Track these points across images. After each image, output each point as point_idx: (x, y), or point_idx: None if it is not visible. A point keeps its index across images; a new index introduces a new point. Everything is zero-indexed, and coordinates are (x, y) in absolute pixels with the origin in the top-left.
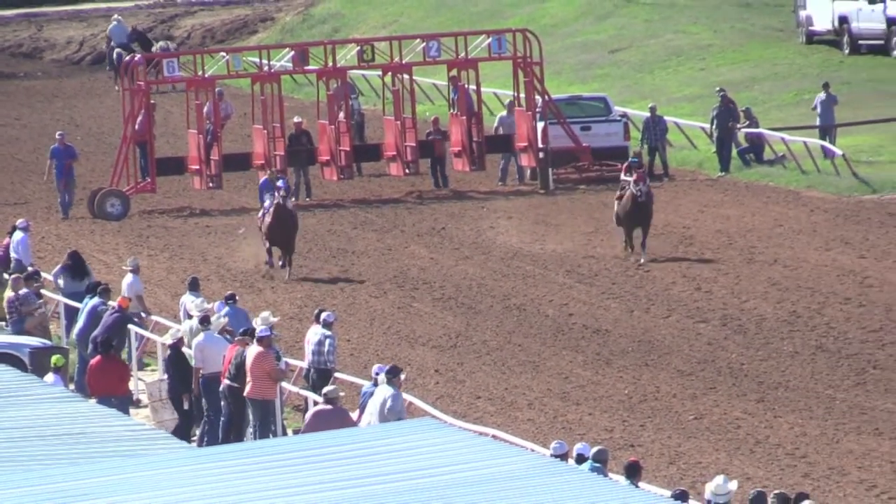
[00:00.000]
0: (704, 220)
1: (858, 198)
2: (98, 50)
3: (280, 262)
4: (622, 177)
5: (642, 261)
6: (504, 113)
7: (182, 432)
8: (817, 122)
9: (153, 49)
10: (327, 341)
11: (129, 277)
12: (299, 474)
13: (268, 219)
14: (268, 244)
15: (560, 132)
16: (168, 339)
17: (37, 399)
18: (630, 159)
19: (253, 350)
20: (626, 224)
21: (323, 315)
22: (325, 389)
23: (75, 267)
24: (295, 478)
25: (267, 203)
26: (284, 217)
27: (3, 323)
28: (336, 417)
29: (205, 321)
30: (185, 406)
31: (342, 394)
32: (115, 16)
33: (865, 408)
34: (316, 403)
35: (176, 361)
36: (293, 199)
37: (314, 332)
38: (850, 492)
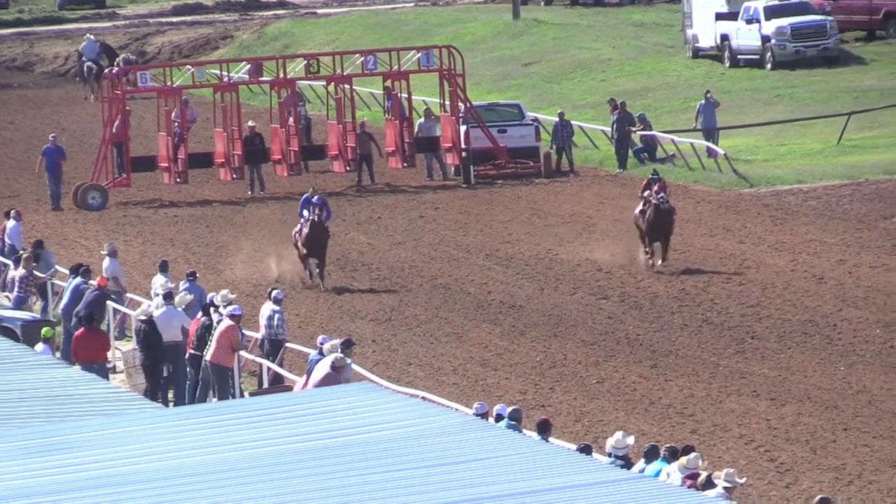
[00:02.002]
0: (605, 211)
1: (738, 191)
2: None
3: (319, 277)
4: (642, 193)
5: (659, 263)
6: (422, 119)
7: (152, 395)
8: (698, 126)
9: (117, 60)
10: (276, 316)
11: (106, 261)
12: (253, 431)
13: (305, 230)
14: (305, 253)
15: (480, 134)
16: (140, 315)
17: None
18: (650, 176)
19: (224, 323)
20: (650, 235)
21: (273, 293)
22: (334, 357)
23: (36, 253)
24: (249, 434)
25: (304, 219)
26: (319, 232)
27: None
28: (336, 380)
29: (167, 297)
30: (165, 374)
31: (349, 361)
32: (88, 35)
33: (745, 373)
34: (269, 370)
35: (148, 334)
36: (328, 218)
37: (267, 308)
38: (731, 446)
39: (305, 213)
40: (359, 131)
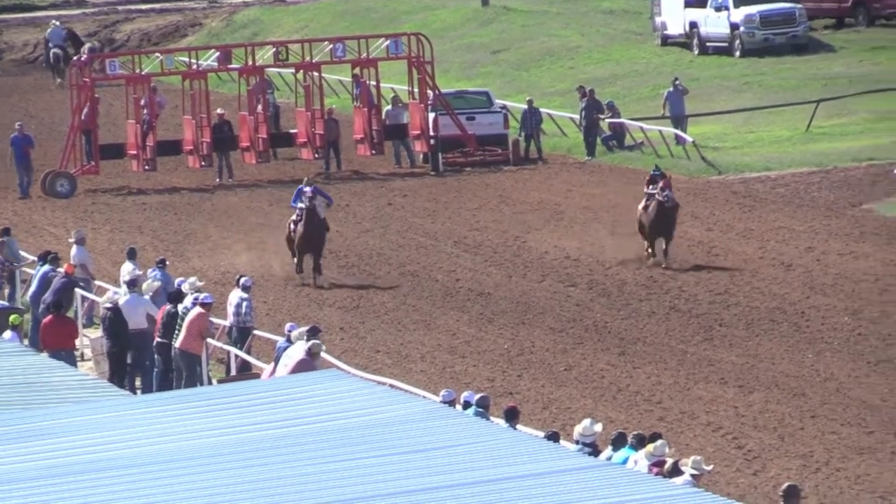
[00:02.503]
0: (573, 198)
1: (706, 178)
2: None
3: (315, 273)
4: (646, 189)
5: (663, 265)
6: (390, 107)
7: (118, 382)
8: (666, 113)
9: (82, 49)
10: (244, 303)
11: (74, 248)
12: (221, 418)
13: (300, 229)
14: (297, 252)
15: (448, 122)
16: (106, 303)
17: None
18: (652, 171)
19: (195, 311)
20: (651, 232)
21: (242, 280)
22: (311, 343)
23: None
24: (217, 421)
25: (297, 211)
26: (316, 224)
27: None
28: (311, 366)
29: (131, 284)
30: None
31: (324, 348)
32: (53, 21)
33: (713, 360)
34: (237, 358)
35: (113, 321)
36: (325, 204)
37: (235, 296)
38: (699, 433)
39: (300, 204)
40: (326, 118)
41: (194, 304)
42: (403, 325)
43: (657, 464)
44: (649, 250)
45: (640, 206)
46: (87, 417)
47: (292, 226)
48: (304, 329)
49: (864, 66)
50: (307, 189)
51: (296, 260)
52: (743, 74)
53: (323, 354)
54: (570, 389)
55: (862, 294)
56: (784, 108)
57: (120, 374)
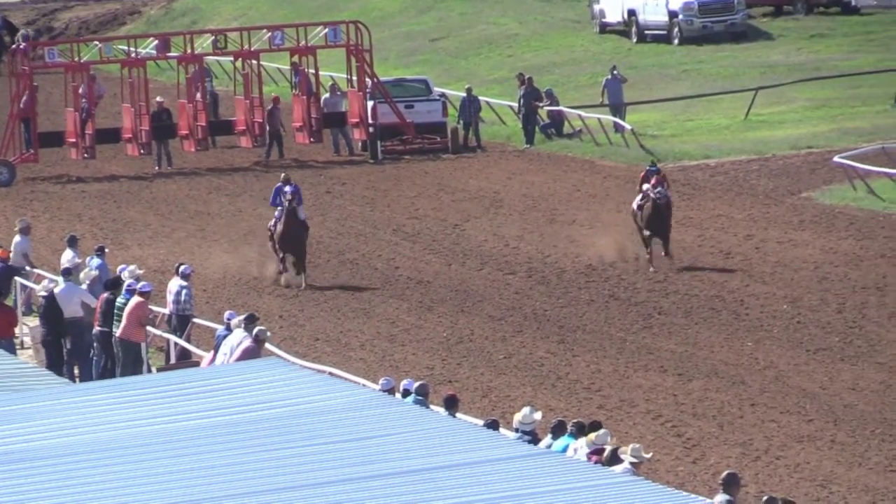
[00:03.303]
0: (512, 186)
1: (645, 166)
2: None
3: (295, 271)
4: (640, 186)
5: (670, 260)
6: (328, 95)
7: (57, 371)
8: (604, 101)
9: (16, 36)
10: (184, 291)
11: (18, 237)
12: (161, 406)
13: (279, 227)
14: (280, 253)
15: (387, 110)
16: (41, 291)
17: None
18: (648, 167)
19: (134, 299)
20: (648, 231)
21: (181, 268)
22: (255, 330)
23: None
24: (157, 409)
25: (277, 212)
26: (296, 225)
27: None
28: (258, 354)
29: (66, 273)
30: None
31: (269, 334)
32: None
33: (652, 348)
34: (177, 346)
35: (48, 310)
36: (302, 206)
37: (174, 283)
38: (638, 421)
39: (280, 205)
40: (269, 107)
41: (129, 292)
42: (343, 313)
43: (596, 452)
44: (648, 251)
45: (635, 205)
46: (26, 405)
47: (272, 227)
48: (242, 317)
49: (803, 54)
50: (287, 189)
51: (279, 261)
52: (681, 62)
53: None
54: (510, 377)
55: (801, 282)
56: (722, 96)
57: (57, 363)
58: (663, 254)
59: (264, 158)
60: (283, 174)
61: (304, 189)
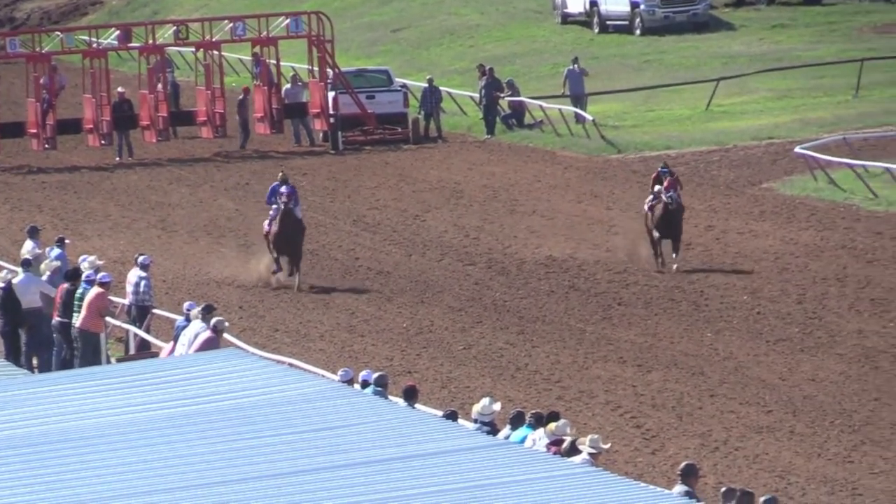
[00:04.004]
0: (473, 177)
1: (606, 157)
2: None
3: (288, 272)
4: (652, 188)
5: (675, 267)
6: (289, 85)
7: (15, 361)
8: (566, 92)
9: None
10: (143, 282)
11: None
12: (120, 397)
13: (274, 227)
14: (275, 253)
15: (348, 100)
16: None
17: None
18: (660, 169)
19: (94, 290)
20: (658, 234)
21: (140, 259)
22: (214, 321)
23: None
24: (117, 400)
25: (273, 211)
26: (291, 225)
27: None
28: (217, 344)
29: (25, 264)
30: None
31: (227, 325)
32: None
33: (612, 339)
34: (136, 336)
35: (6, 300)
36: (299, 207)
37: (133, 274)
38: (597, 412)
39: (276, 204)
40: (241, 97)
41: (88, 283)
42: (302, 304)
43: (555, 443)
44: (658, 254)
45: (646, 207)
46: None
47: (267, 226)
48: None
49: (764, 45)
50: (283, 189)
51: (274, 262)
52: (643, 53)
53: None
54: (469, 368)
55: (761, 273)
56: (684, 87)
57: (15, 353)
58: (673, 255)
59: (240, 149)
60: (280, 174)
61: (264, 179)
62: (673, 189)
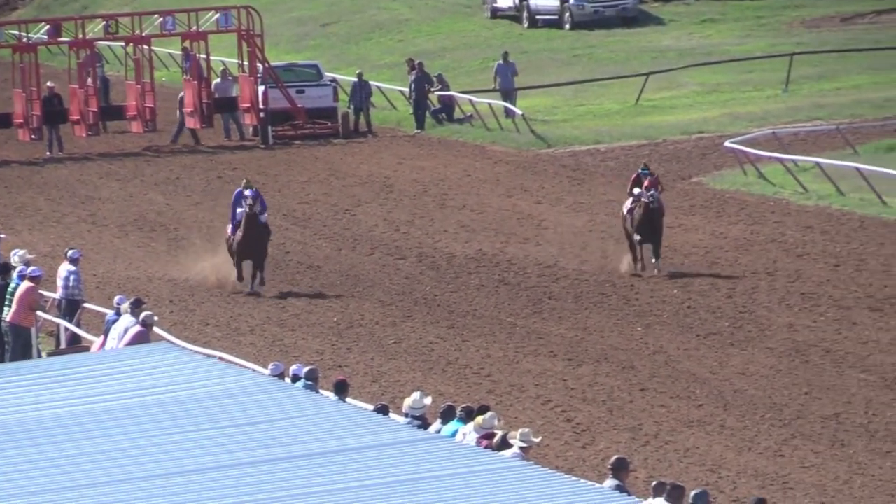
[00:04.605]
0: (403, 171)
1: (536, 151)
2: None
3: (254, 280)
4: (630, 190)
5: (656, 272)
6: (218, 80)
7: None
8: (496, 86)
9: None
10: (72, 277)
11: None
12: (52, 391)
13: (239, 233)
14: (236, 258)
15: (278, 95)
16: None
17: None
18: (640, 170)
19: (24, 284)
20: (639, 237)
21: (69, 253)
22: (143, 315)
23: None
24: (48, 394)
25: (237, 214)
26: (256, 229)
27: None
28: (147, 338)
29: None
30: None
31: (156, 319)
32: None
33: (542, 333)
34: (66, 330)
35: None
36: (263, 211)
37: (63, 268)
38: (528, 406)
39: (239, 209)
40: (181, 95)
41: (19, 277)
42: (232, 298)
43: (486, 436)
44: (638, 258)
45: (625, 210)
46: None
47: (230, 232)
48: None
49: (694, 39)
50: (247, 193)
51: (235, 269)
52: (572, 47)
53: (154, 328)
54: (400, 362)
55: (691, 266)
56: (613, 81)
57: None
58: (653, 260)
59: (171, 142)
60: (244, 180)
61: (195, 174)
62: (654, 189)
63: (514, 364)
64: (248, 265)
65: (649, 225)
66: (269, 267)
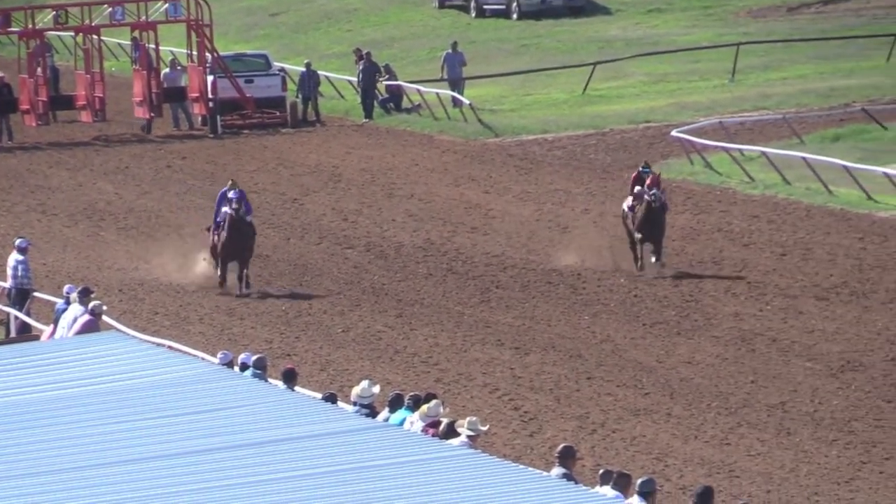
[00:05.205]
0: (351, 160)
1: (483, 141)
2: None
3: (241, 282)
4: (632, 188)
5: (659, 268)
6: (167, 70)
7: None
8: (443, 76)
9: None
10: (20, 266)
11: None
12: (1, 379)
13: (223, 234)
14: (220, 261)
15: (227, 84)
16: None
17: None
18: (640, 168)
19: None
20: (640, 235)
21: (17, 241)
22: (91, 304)
23: None
24: None
25: (219, 217)
26: (241, 230)
27: None
28: (96, 327)
29: None
30: None
31: (105, 308)
32: None
33: (489, 322)
34: (16, 319)
35: None
36: (248, 213)
37: (12, 258)
38: (476, 394)
39: (224, 209)
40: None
41: None
42: (181, 287)
43: (431, 424)
44: (638, 258)
45: (626, 207)
46: None
47: (213, 234)
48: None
49: (641, 29)
50: (230, 194)
51: (219, 271)
52: (520, 37)
53: (103, 316)
54: (348, 351)
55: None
56: (561, 71)
57: None
58: (653, 260)
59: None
60: (230, 181)
61: (144, 163)
62: (656, 187)
63: (462, 353)
64: (232, 268)
65: (651, 223)
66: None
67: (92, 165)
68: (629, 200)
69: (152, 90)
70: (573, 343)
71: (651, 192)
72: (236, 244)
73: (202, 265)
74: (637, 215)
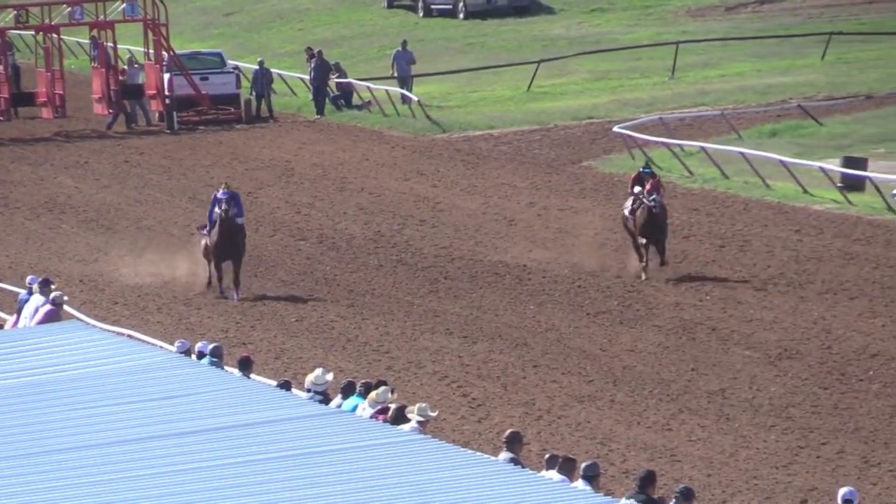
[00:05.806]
0: (303, 156)
1: (431, 136)
2: None
3: (236, 286)
4: (631, 189)
5: (660, 263)
6: (125, 67)
7: None
8: (393, 73)
9: None
10: None
11: None
12: None
13: (214, 236)
14: (213, 262)
15: (183, 82)
16: None
17: None
18: (641, 169)
19: None
20: (644, 239)
21: None
22: (52, 294)
23: None
24: None
25: (211, 217)
26: (230, 232)
27: None
28: (58, 317)
29: None
30: None
31: (66, 298)
32: None
33: (438, 311)
34: None
35: None
36: (240, 214)
37: None
38: (425, 381)
39: (216, 210)
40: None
41: None
42: (140, 278)
43: (381, 410)
44: (644, 258)
45: (626, 210)
46: None
47: (205, 236)
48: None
49: (584, 28)
50: (219, 195)
51: (211, 271)
52: (466, 36)
53: (64, 306)
54: (302, 340)
55: (581, 248)
56: (506, 69)
57: None
58: (660, 264)
59: (114, 126)
60: (224, 182)
61: (103, 158)
62: (656, 192)
63: (412, 341)
64: (227, 270)
65: (653, 227)
66: (175, 247)
67: (53, 160)
68: (629, 203)
69: (111, 87)
70: (519, 332)
71: (652, 198)
72: (228, 243)
73: (186, 266)
74: (638, 219)
